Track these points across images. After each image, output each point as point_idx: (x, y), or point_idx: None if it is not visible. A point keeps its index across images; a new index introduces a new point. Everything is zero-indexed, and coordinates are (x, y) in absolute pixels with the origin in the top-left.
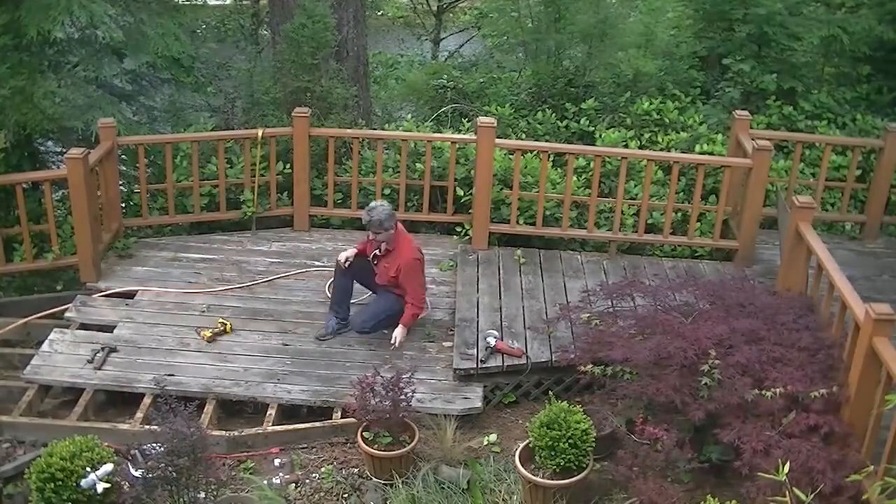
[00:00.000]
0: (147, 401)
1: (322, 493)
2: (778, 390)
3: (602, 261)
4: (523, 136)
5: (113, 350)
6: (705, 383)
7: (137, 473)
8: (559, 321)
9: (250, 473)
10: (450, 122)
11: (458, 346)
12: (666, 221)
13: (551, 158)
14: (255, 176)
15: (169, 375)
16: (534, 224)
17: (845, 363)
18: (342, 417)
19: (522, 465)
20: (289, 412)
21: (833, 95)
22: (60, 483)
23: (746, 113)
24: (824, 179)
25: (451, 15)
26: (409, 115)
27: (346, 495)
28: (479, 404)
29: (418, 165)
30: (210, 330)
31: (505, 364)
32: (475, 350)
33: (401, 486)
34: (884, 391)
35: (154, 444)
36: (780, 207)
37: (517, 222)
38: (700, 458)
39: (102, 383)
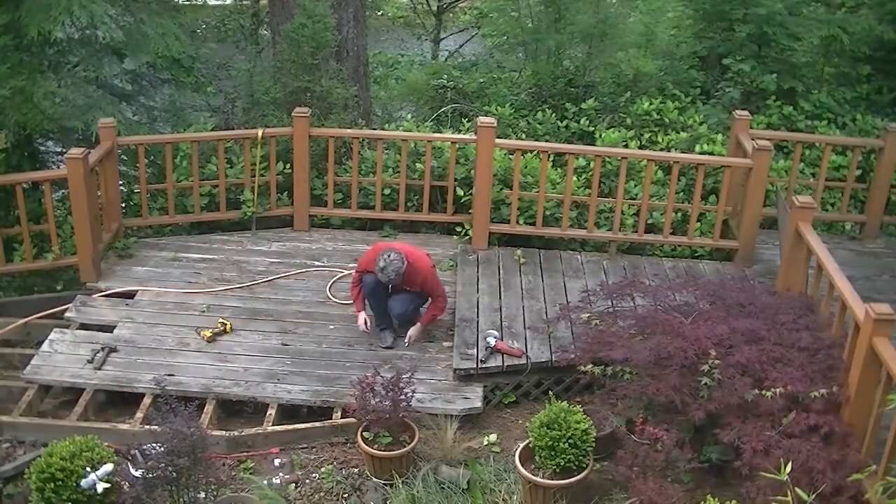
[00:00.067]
0: (147, 401)
1: (322, 493)
2: (778, 390)
3: (602, 261)
4: (523, 136)
5: (113, 350)
6: (705, 383)
7: (137, 473)
8: (559, 321)
9: (250, 473)
10: (450, 122)
11: (458, 346)
12: (666, 221)
13: (551, 158)
14: (255, 176)
15: (169, 375)
16: (534, 224)
17: (845, 363)
18: (342, 417)
19: (522, 465)
20: (289, 412)
21: (833, 95)
22: (60, 483)
23: (746, 113)
24: (824, 179)
25: (451, 15)
26: (409, 115)
27: (346, 495)
28: (479, 404)
29: (418, 165)
30: (210, 330)
31: (505, 364)
32: (475, 350)
33: (401, 486)
34: (884, 391)
35: (154, 444)
36: (780, 207)
37: (517, 222)
38: (700, 458)
39: (102, 383)
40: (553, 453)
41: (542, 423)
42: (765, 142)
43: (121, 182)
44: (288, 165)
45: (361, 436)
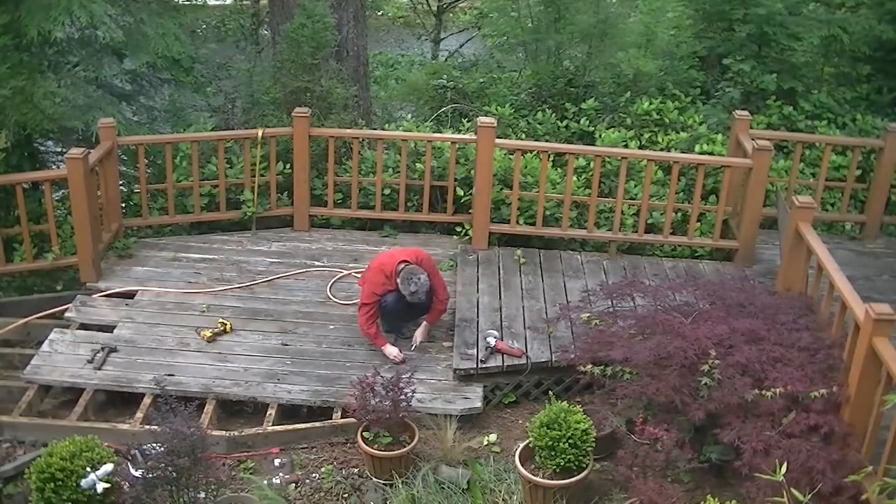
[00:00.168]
0: (147, 401)
1: (322, 493)
2: (778, 390)
3: (602, 261)
4: (523, 136)
5: (113, 350)
6: (705, 383)
7: (137, 473)
8: (559, 321)
9: (250, 473)
10: (450, 122)
11: (458, 346)
12: (666, 221)
13: (551, 158)
14: (255, 176)
15: (169, 375)
16: (534, 224)
17: (845, 363)
18: (342, 417)
19: (522, 465)
20: (289, 412)
21: (833, 95)
22: (60, 483)
23: (746, 113)
24: (824, 179)
25: (451, 15)
26: (409, 115)
27: (346, 495)
28: (479, 404)
29: (418, 165)
30: (210, 330)
31: (505, 364)
32: (475, 350)
33: (401, 486)
34: (884, 391)
35: (154, 444)
36: (780, 207)
37: (517, 222)
38: (700, 458)
39: (102, 383)
40: (553, 453)
41: (542, 423)
42: (765, 142)
43: (121, 182)
44: (288, 165)
45: (361, 436)
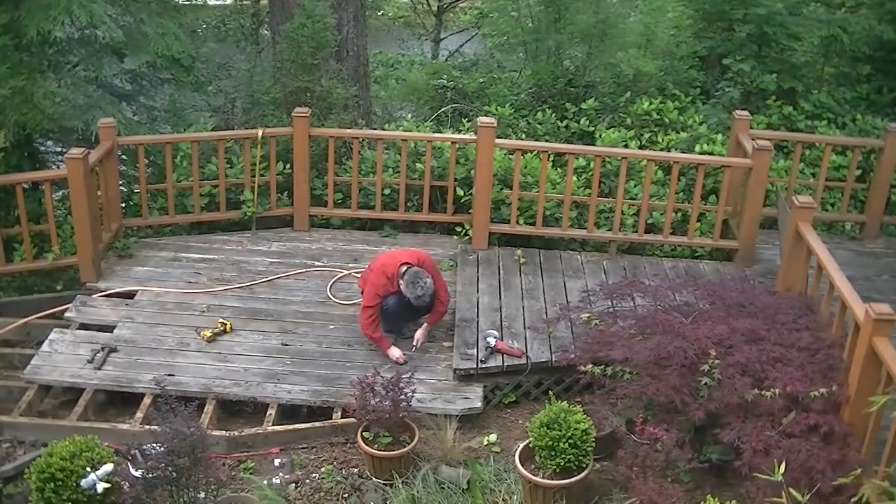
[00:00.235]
0: (147, 401)
1: (322, 493)
2: (778, 390)
3: (602, 261)
4: (523, 136)
5: (113, 350)
6: (705, 383)
7: (137, 473)
8: (559, 321)
9: (250, 473)
10: (450, 122)
11: (458, 346)
12: (666, 221)
13: (551, 158)
14: (255, 176)
15: (169, 375)
16: (534, 224)
17: (845, 363)
18: (342, 417)
19: (522, 465)
20: (289, 412)
21: (833, 95)
22: (60, 483)
23: (746, 113)
24: (824, 179)
25: (451, 15)
26: (409, 115)
27: (346, 495)
28: (479, 404)
29: (418, 165)
30: (210, 330)
31: (505, 364)
32: (475, 350)
33: (401, 486)
34: (884, 391)
35: (154, 444)
36: (780, 207)
37: (517, 222)
38: (700, 458)
39: (102, 383)
40: (553, 453)
41: (542, 423)
42: (765, 142)
43: (121, 182)
44: (288, 165)
45: (361, 436)
